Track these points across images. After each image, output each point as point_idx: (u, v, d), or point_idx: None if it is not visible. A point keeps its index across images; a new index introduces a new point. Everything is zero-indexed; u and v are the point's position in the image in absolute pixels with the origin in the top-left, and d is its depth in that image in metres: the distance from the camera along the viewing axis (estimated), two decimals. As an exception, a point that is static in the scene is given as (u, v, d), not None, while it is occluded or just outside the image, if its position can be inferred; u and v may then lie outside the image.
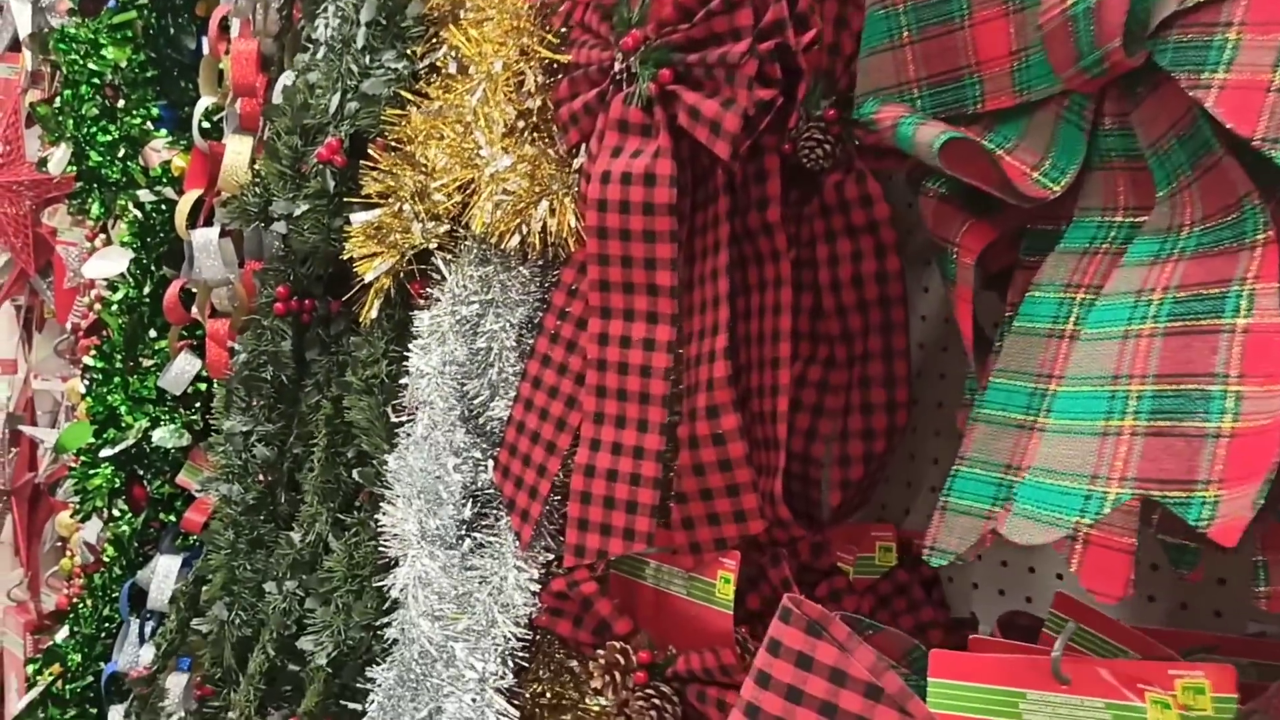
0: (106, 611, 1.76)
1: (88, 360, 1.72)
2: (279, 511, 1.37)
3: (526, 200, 1.05)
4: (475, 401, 1.12)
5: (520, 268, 1.10)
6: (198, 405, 1.69)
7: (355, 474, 1.21)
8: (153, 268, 1.66)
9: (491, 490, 1.12)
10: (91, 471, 1.64)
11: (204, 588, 1.42)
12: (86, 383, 1.74)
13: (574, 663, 1.14)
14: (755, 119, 0.87)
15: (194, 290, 1.55)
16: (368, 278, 1.13)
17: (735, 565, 0.97)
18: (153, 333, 1.68)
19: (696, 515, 0.97)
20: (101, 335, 1.74)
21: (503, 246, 1.08)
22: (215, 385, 1.45)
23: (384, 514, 1.09)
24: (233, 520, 1.34)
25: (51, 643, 1.86)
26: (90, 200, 1.80)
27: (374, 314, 1.14)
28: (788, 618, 0.72)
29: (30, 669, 1.86)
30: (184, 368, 1.51)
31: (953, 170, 0.68)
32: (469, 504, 1.11)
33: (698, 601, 1.00)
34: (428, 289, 1.15)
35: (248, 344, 1.37)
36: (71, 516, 1.80)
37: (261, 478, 1.36)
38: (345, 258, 1.15)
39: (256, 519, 1.36)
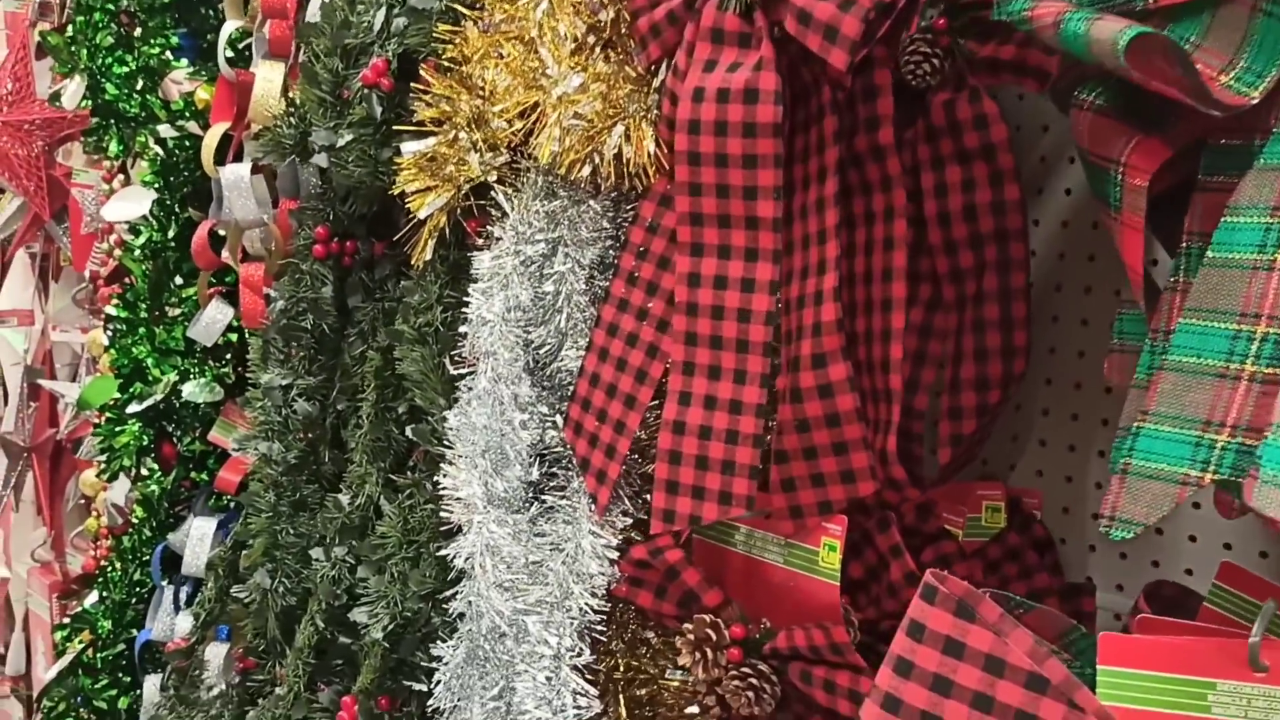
0: (137, 576, 1.71)
1: (110, 310, 1.65)
2: (323, 471, 1.31)
3: (599, 125, 0.96)
4: (541, 351, 1.05)
5: (591, 202, 1.02)
6: (228, 357, 1.62)
7: (408, 431, 1.14)
8: (177, 209, 1.59)
9: (560, 449, 1.05)
10: (118, 429, 1.58)
11: (243, 553, 1.36)
12: (109, 334, 1.67)
13: (650, 634, 1.08)
14: (874, 24, 0.78)
15: (223, 233, 1.47)
16: (421, 215, 1.05)
17: (842, 531, 0.89)
18: (179, 280, 1.61)
19: (798, 476, 0.89)
20: (124, 283, 1.67)
21: (572, 178, 1.00)
22: (249, 336, 1.38)
23: (444, 476, 1.02)
24: (273, 481, 1.28)
25: (80, 608, 1.81)
26: (107, 137, 1.73)
27: (428, 255, 1.06)
28: (932, 597, 0.64)
29: (59, 635, 1.82)
30: (215, 317, 1.44)
31: (1141, 74, 0.59)
32: (536, 464, 1.04)
33: (797, 571, 0.93)
34: (486, 227, 1.07)
35: (285, 290, 1.30)
36: (97, 476, 1.75)
37: (303, 435, 1.29)
38: (395, 193, 1.07)
39: (299, 479, 1.29)
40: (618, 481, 0.98)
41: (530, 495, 1.03)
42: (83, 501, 2.39)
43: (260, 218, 1.35)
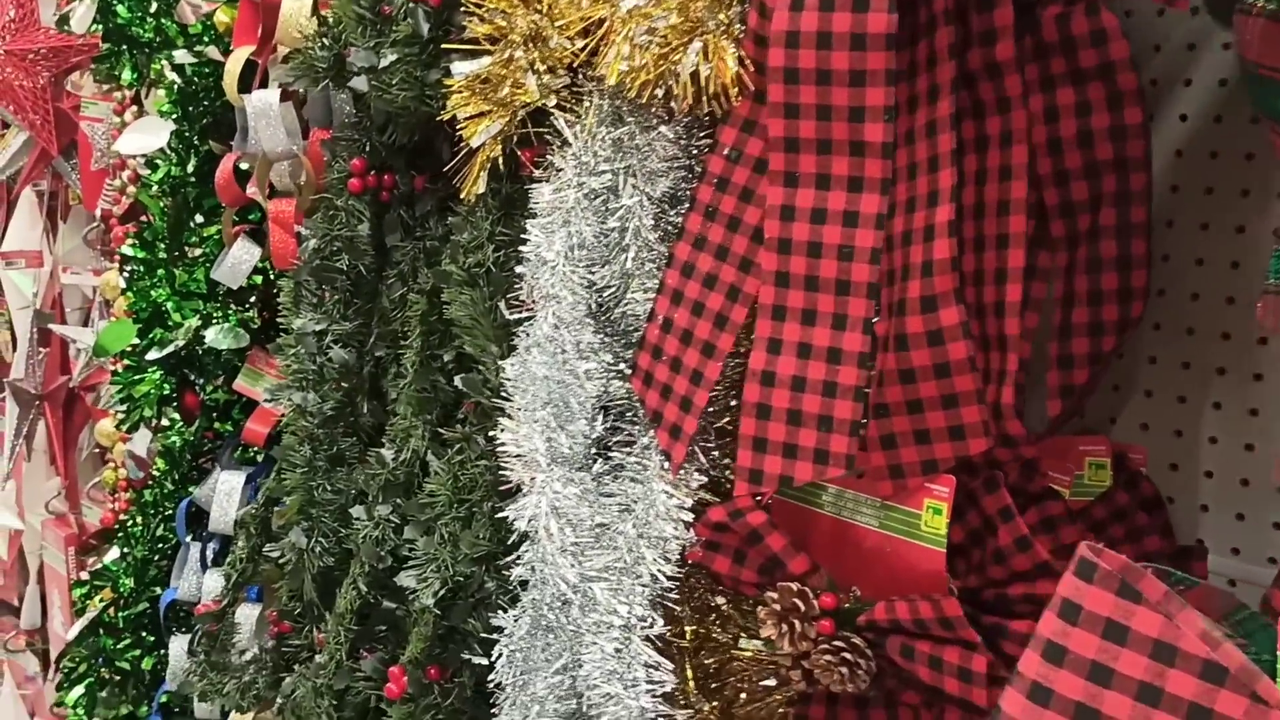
0: (160, 531, 1.66)
1: (126, 250, 1.59)
2: (361, 423, 1.25)
3: (674, 42, 0.89)
4: (605, 293, 0.98)
5: (663, 128, 0.95)
6: (254, 300, 1.56)
7: (457, 381, 1.07)
8: (197, 142, 1.52)
9: (626, 400, 0.98)
10: (137, 377, 1.52)
11: (276, 510, 1.30)
12: (126, 276, 1.61)
13: (721, 599, 1.02)
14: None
15: (249, 166, 1.40)
16: (474, 142, 0.97)
17: (949, 493, 0.83)
18: (200, 218, 1.54)
19: (900, 432, 0.83)
20: (140, 222, 1.61)
21: (642, 101, 0.92)
22: (278, 278, 1.31)
23: (501, 431, 0.96)
24: (308, 434, 1.22)
25: (100, 564, 1.76)
26: (120, 64, 1.65)
27: (480, 188, 0.99)
28: (1090, 573, 0.58)
29: (78, 593, 1.78)
30: (241, 257, 1.37)
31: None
32: (600, 417, 0.97)
33: (894, 535, 0.87)
34: (545, 157, 1.00)
35: (317, 228, 1.23)
36: (116, 427, 1.69)
37: (339, 384, 1.23)
38: (443, 119, 1.00)
39: (336, 432, 1.23)
40: (694, 437, 0.91)
41: (595, 452, 0.97)
42: (97, 451, 2.35)
43: (290, 149, 1.28)
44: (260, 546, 1.32)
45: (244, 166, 1.43)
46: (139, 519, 1.72)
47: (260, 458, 1.54)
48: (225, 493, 1.45)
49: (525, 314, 0.99)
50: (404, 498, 1.12)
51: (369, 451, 1.18)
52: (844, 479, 0.88)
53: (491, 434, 1.05)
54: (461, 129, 0.99)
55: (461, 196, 1.02)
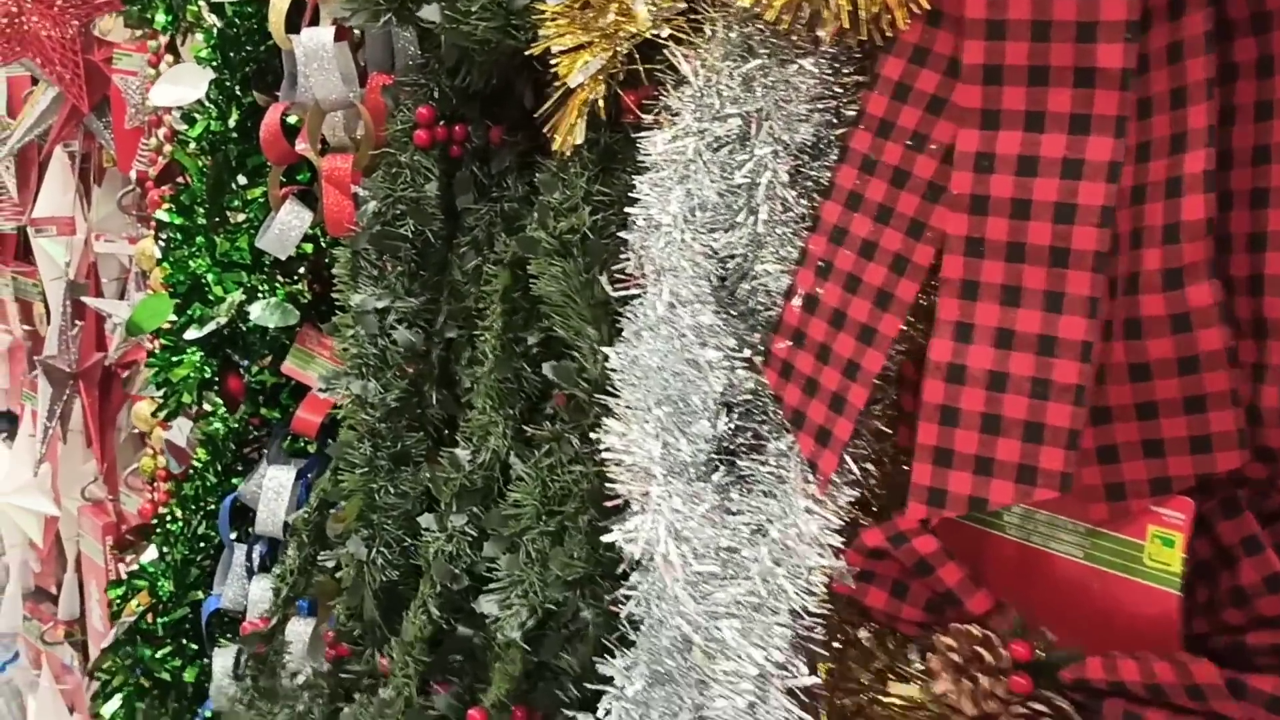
0: (201, 529, 1.55)
1: (161, 215, 1.47)
2: (429, 416, 1.11)
3: (824, -51, 0.73)
4: (729, 264, 0.83)
5: (804, 61, 0.80)
6: (302, 271, 1.43)
7: (546, 370, 0.93)
8: (239, 91, 1.39)
9: (755, 395, 0.83)
10: (174, 359, 1.40)
11: (332, 514, 1.17)
12: (162, 245, 1.49)
13: (863, 632, 0.87)
14: None
15: (297, 118, 1.26)
16: (571, 82, 0.82)
17: (1185, 521, 0.67)
18: (243, 178, 1.42)
19: (1125, 442, 0.68)
20: (177, 184, 1.48)
21: (781, 28, 0.77)
22: (332, 245, 1.17)
23: (606, 433, 0.81)
24: (369, 428, 1.09)
25: (137, 564, 1.65)
26: (153, 7, 1.52)
27: (579, 138, 0.84)
28: None
29: (113, 594, 1.66)
30: (290, 222, 1.24)
31: None
32: (723, 416, 0.83)
33: (1105, 569, 0.71)
34: (656, 99, 0.85)
35: (377, 188, 1.09)
36: (153, 414, 1.57)
37: (405, 370, 1.09)
38: (533, 54, 0.85)
39: (400, 426, 1.10)
40: (847, 444, 0.76)
41: (716, 458, 0.82)
42: (136, 432, 2.25)
43: (345, 97, 1.14)
44: (314, 556, 1.19)
45: (292, 119, 1.29)
46: (179, 514, 1.60)
47: (312, 450, 1.42)
48: (273, 490, 1.32)
49: (632, 290, 0.84)
50: (482, 507, 0.99)
51: (440, 450, 1.04)
52: (1037, 497, 0.72)
53: (588, 433, 0.91)
54: (554, 66, 0.84)
55: (553, 149, 0.87)
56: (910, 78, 0.74)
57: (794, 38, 0.80)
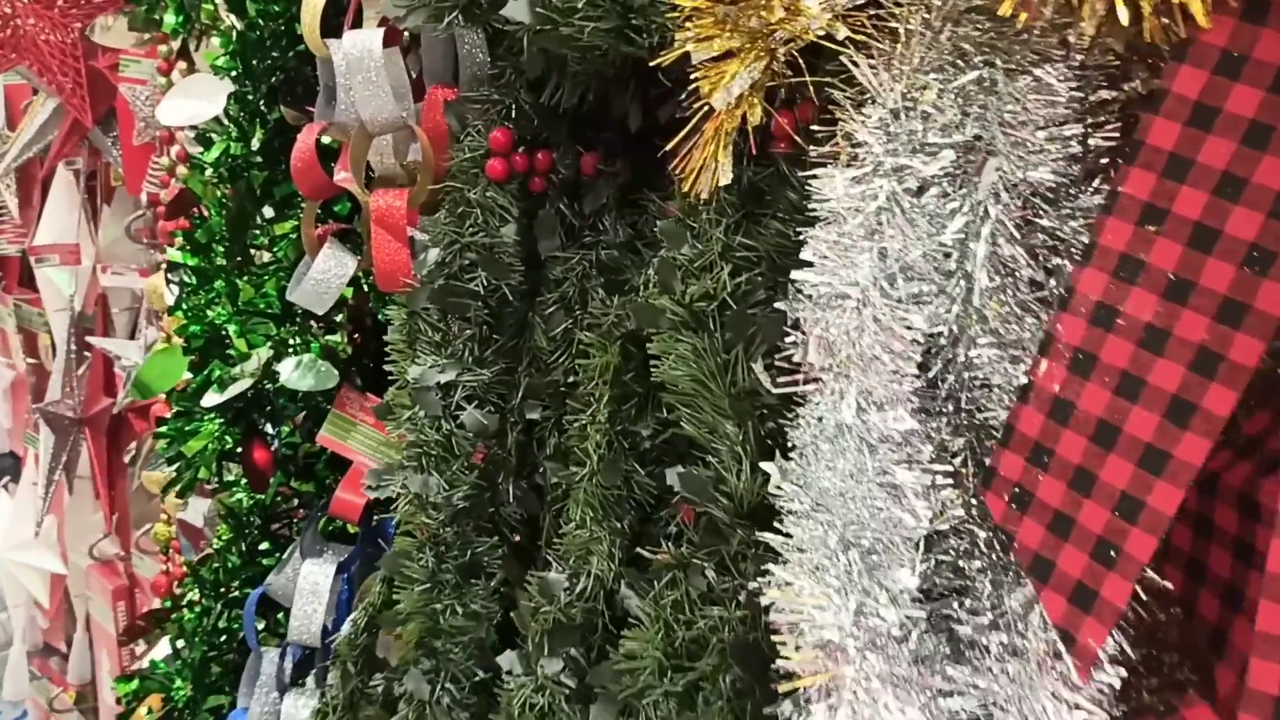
0: (222, 621, 1.36)
1: (174, 255, 1.28)
2: (504, 516, 0.92)
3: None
4: (933, 346, 0.64)
5: (1043, 71, 0.60)
6: (340, 319, 1.24)
7: (671, 478, 0.74)
8: (263, 106, 1.20)
9: (963, 524, 0.64)
10: (190, 428, 1.22)
11: (382, 636, 0.98)
12: (175, 288, 1.30)
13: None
14: None
15: (335, 141, 1.07)
16: (717, 101, 0.63)
17: None
18: (269, 211, 1.23)
19: None
20: (191, 217, 1.29)
21: (1013, 27, 0.58)
22: (380, 299, 0.99)
23: (769, 585, 0.62)
24: (432, 534, 0.90)
25: (149, 661, 1.47)
26: (163, 6, 1.34)
27: (726, 178, 0.65)
28: None
29: (123, 689, 1.48)
30: (329, 270, 1.05)
31: None
32: (919, 552, 0.63)
33: None
34: (826, 122, 0.65)
35: (441, 233, 0.91)
36: (164, 491, 1.39)
37: (475, 462, 0.90)
38: (663, 64, 0.66)
39: (469, 530, 0.91)
40: (1123, 611, 0.56)
41: (914, 615, 0.63)
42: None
43: (398, 116, 0.95)
44: (363, 686, 1.00)
45: (328, 141, 1.10)
46: (196, 596, 1.42)
47: (354, 531, 1.23)
48: (309, 589, 1.13)
49: (801, 383, 0.65)
50: (582, 650, 0.79)
51: (518, 560, 0.85)
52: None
53: (728, 561, 0.71)
54: (696, 79, 0.64)
55: (691, 191, 0.67)
56: (1217, 96, 0.54)
57: (1030, 38, 0.60)
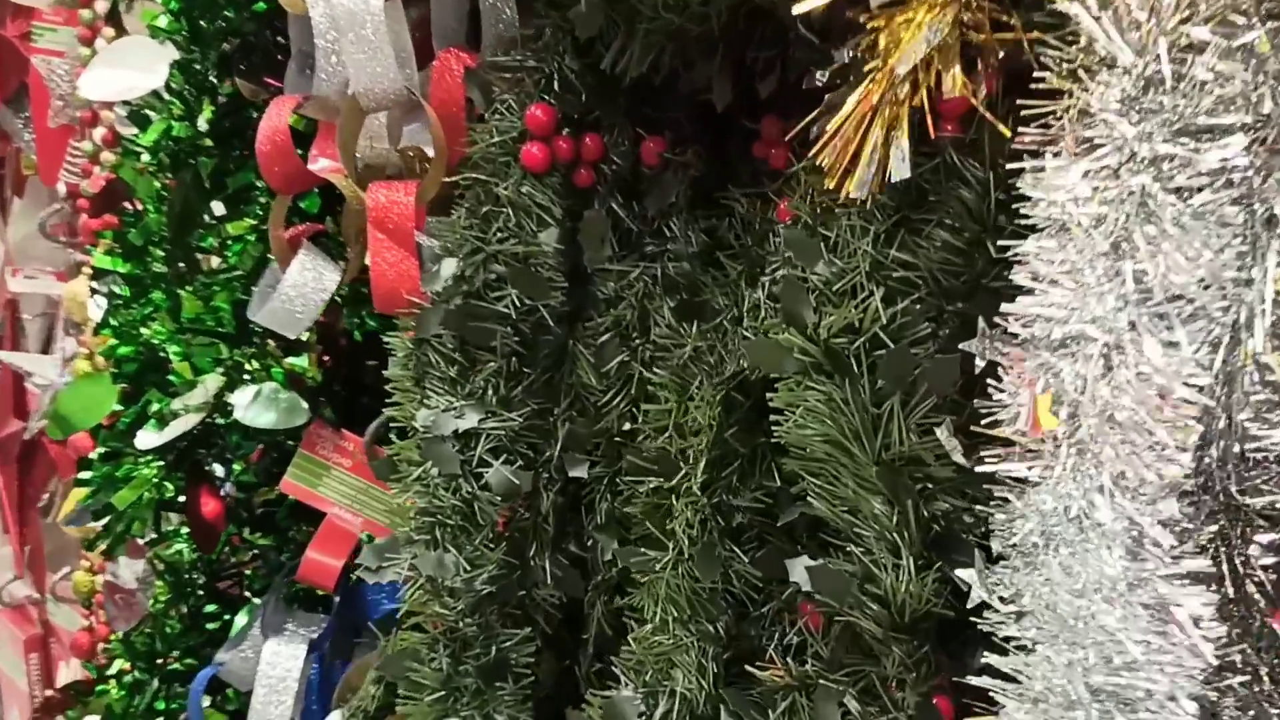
0: (160, 701, 1.19)
1: (101, 259, 1.11)
2: (538, 601, 0.76)
3: None
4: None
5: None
6: (306, 336, 1.08)
7: (796, 573, 0.58)
8: (213, 77, 1.03)
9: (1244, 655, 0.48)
10: (120, 473, 1.04)
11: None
12: (101, 298, 1.13)
13: None
14: None
15: (311, 118, 0.90)
16: (901, 66, 0.47)
17: None
18: (219, 207, 1.06)
19: None
20: (123, 211, 1.13)
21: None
22: (379, 324, 0.82)
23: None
24: (448, 628, 0.73)
25: (72, 736, 1.29)
26: (86, -42, 1.18)
27: (903, 170, 0.49)
28: None
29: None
30: (304, 284, 0.86)
31: None
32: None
33: None
34: (1033, 95, 0.49)
35: (459, 239, 0.74)
36: (88, 547, 1.21)
37: (501, 533, 0.73)
38: (810, 9, 0.49)
39: (493, 620, 0.74)
40: None
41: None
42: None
43: (400, 86, 0.77)
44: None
45: (292, 121, 0.93)
46: (126, 666, 1.24)
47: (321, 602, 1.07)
48: (274, 679, 0.96)
49: (1009, 456, 0.48)
50: (663, 794, 0.63)
51: (580, 687, 0.69)
52: None
53: (875, 689, 0.55)
54: (867, 34, 0.48)
55: (840, 190, 0.51)
56: None
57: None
